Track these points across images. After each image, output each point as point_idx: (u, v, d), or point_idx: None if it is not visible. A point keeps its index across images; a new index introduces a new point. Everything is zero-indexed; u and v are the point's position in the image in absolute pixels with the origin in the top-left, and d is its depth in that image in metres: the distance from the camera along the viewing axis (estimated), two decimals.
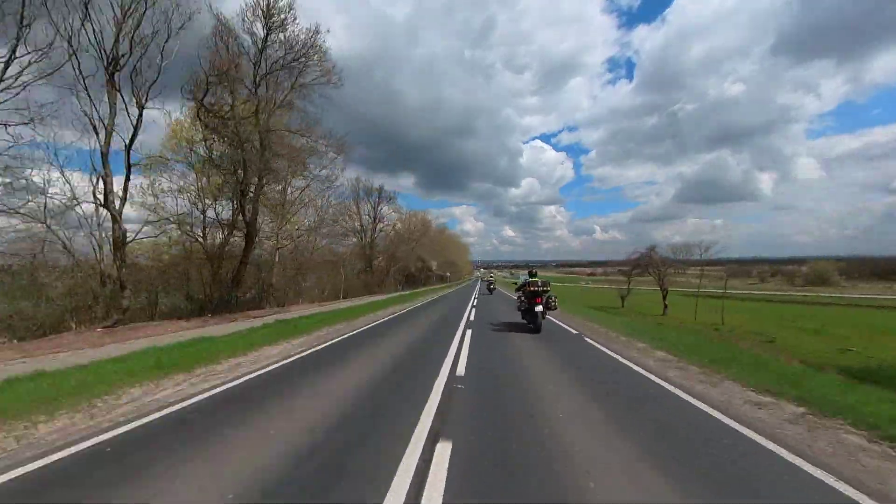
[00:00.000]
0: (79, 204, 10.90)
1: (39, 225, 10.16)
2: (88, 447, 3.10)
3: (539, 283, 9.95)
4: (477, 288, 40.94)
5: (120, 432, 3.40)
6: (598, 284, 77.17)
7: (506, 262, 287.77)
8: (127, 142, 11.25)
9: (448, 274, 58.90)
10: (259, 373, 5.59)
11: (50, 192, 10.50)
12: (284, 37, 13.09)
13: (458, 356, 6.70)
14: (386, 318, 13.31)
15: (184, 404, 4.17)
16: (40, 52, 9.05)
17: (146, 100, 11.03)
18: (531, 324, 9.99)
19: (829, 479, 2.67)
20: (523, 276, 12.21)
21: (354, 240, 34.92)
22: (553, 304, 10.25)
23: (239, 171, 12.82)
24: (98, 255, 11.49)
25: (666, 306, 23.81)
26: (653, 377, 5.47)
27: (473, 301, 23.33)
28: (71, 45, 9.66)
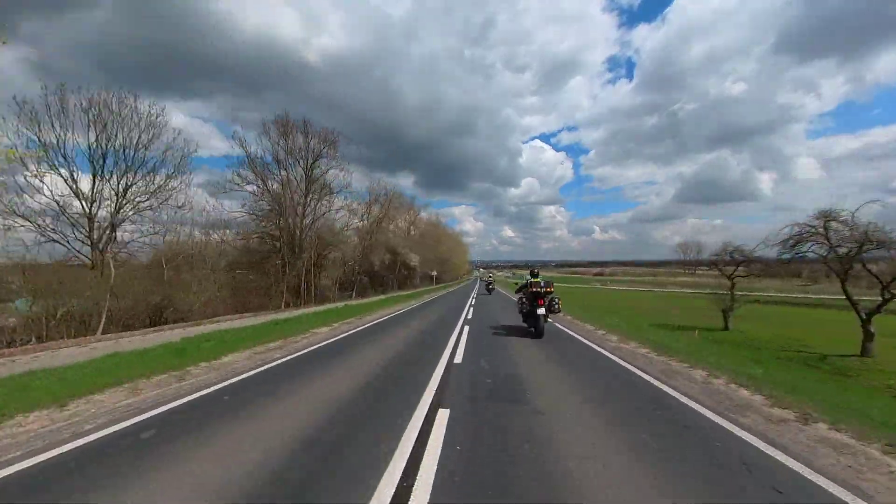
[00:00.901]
0: None
1: None
2: None
3: (541, 284, 9.31)
4: (476, 288, 38.02)
5: None
6: (620, 286, 64.38)
7: (505, 262, 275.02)
8: None
9: (434, 273, 45.83)
10: None
11: None
12: None
13: None
14: None
15: None
16: None
17: None
18: (532, 327, 9.39)
19: None
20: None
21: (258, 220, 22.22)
22: (556, 306, 9.59)
23: None
24: None
25: (870, 335, 10.82)
26: None
27: (471, 300, 21.29)
28: None
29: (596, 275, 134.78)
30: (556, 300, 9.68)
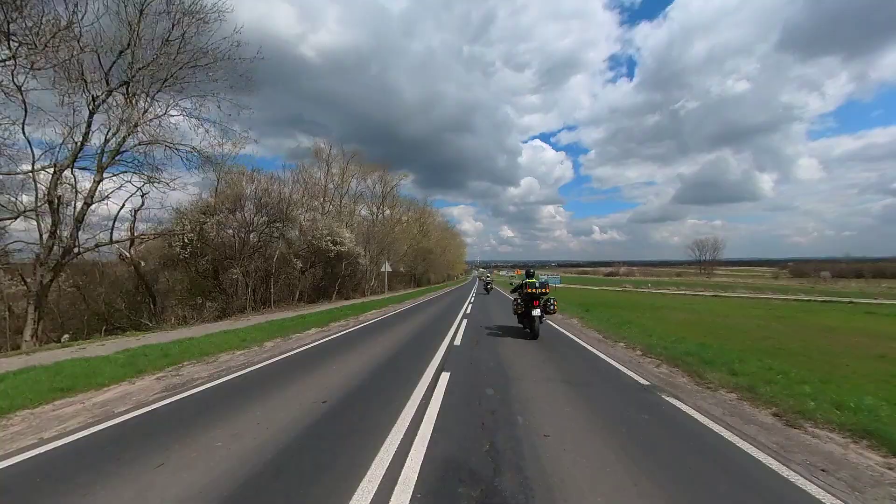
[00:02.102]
0: None
1: None
2: None
3: (537, 285, 9.29)
4: (474, 288, 37.90)
5: None
6: (664, 289, 48.07)
7: (504, 262, 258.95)
8: None
9: (386, 268, 29.16)
10: None
11: None
12: None
13: None
14: None
15: None
16: None
17: None
18: (528, 328, 9.35)
19: None
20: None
21: None
22: (552, 307, 9.38)
23: None
24: None
25: None
26: None
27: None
28: None
29: (608, 275, 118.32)
30: (552, 301, 9.51)
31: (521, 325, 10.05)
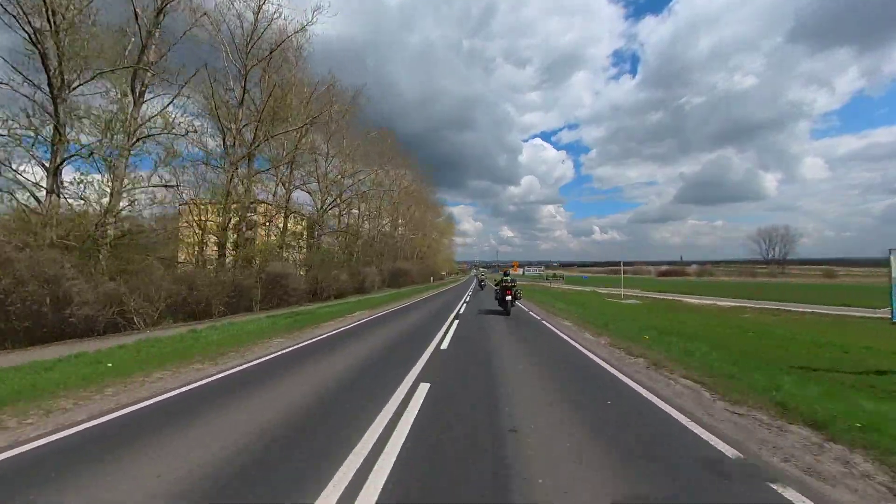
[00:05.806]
0: None
1: None
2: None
3: (510, 281, 14.05)
4: (471, 287, 40.50)
5: None
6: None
7: (503, 263, 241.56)
8: None
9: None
10: None
11: None
12: None
13: None
14: None
15: None
16: None
17: None
18: (503, 308, 13.95)
19: None
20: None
21: None
22: (519, 295, 14.80)
23: None
24: None
25: None
26: None
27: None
28: None
29: (663, 274, 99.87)
30: (519, 291, 14.71)
31: (500, 308, 14.40)
